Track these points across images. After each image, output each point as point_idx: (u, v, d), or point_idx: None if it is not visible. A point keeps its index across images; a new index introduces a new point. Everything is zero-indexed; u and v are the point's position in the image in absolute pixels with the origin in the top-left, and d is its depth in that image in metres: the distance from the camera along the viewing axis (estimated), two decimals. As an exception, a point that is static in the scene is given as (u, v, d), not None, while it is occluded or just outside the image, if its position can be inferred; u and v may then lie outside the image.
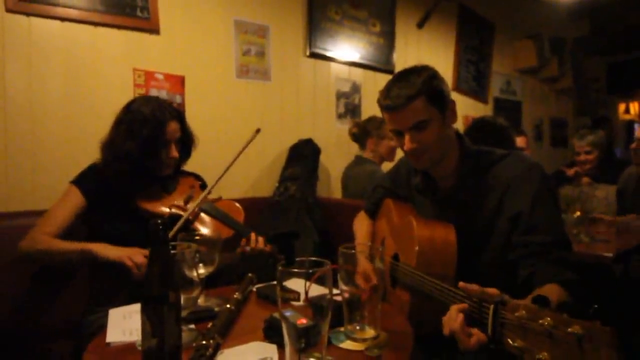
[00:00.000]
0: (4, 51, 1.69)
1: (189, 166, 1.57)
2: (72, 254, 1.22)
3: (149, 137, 1.32)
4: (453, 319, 0.77)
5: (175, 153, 1.39)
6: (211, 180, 1.44)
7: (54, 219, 1.29)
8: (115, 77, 1.94)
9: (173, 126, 1.37)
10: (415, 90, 1.04)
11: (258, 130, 1.39)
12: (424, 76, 1.05)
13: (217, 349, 0.83)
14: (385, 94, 1.09)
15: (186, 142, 1.46)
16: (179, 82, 2.14)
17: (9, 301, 1.41)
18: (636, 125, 2.41)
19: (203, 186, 1.54)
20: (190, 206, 1.36)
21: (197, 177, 1.59)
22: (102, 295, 1.27)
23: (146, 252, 1.17)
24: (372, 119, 2.49)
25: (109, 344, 0.88)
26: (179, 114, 1.43)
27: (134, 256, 1.17)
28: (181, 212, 1.34)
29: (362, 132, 2.46)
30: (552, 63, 4.52)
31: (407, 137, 1.07)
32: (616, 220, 2.03)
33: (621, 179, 2.36)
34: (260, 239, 1.35)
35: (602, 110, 5.34)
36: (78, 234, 1.30)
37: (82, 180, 1.36)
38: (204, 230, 1.36)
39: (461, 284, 0.81)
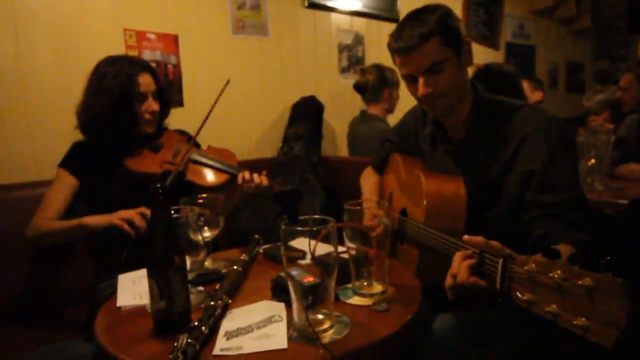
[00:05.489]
0: (-12, 16, 1.62)
1: (189, 128, 1.53)
2: (71, 230, 1.24)
3: (121, 91, 1.31)
4: (458, 266, 0.77)
5: (155, 106, 1.39)
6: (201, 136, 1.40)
7: (50, 203, 1.32)
8: (105, 39, 1.86)
9: (145, 78, 1.37)
10: (429, 28, 0.96)
11: (228, 82, 1.35)
12: (437, 14, 0.98)
13: (225, 309, 0.83)
14: (397, 35, 1.01)
15: (163, 97, 1.45)
16: (173, 41, 2.05)
17: (22, 269, 1.45)
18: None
19: (190, 140, 1.51)
20: (179, 159, 1.36)
21: (182, 132, 1.57)
22: (111, 264, 1.28)
23: (142, 209, 1.17)
24: (384, 67, 2.24)
25: (119, 307, 0.90)
26: (150, 68, 1.42)
27: (124, 214, 1.17)
28: (172, 168, 1.33)
29: (379, 81, 2.20)
30: (569, 1, 4.25)
31: (421, 81, 1.00)
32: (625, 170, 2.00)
33: (623, 126, 2.29)
34: (255, 174, 1.34)
35: (623, 52, 5.07)
36: (80, 214, 1.29)
37: (68, 161, 1.38)
38: (199, 180, 1.36)
39: (465, 237, 0.79)
